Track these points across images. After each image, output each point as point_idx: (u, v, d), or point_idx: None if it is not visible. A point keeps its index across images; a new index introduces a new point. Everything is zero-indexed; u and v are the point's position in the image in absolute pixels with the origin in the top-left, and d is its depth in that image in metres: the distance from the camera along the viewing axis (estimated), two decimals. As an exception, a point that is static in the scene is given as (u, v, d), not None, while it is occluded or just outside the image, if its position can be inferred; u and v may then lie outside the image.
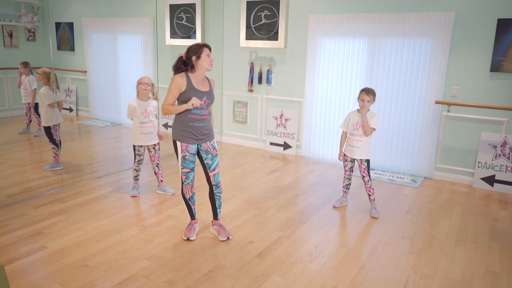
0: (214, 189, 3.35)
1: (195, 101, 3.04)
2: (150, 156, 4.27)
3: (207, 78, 3.28)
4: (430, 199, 4.46)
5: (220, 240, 3.38)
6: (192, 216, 3.45)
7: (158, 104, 4.29)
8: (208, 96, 3.18)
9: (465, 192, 4.72)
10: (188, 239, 3.36)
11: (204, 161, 3.28)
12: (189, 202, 3.37)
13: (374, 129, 3.84)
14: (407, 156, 5.27)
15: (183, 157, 3.20)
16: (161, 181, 4.36)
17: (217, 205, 3.41)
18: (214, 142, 3.31)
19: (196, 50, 3.12)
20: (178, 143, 3.19)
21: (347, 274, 2.94)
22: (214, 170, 3.30)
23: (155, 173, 4.34)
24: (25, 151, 5.69)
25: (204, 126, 3.20)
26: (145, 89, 4.08)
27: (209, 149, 3.26)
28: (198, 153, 3.28)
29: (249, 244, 3.33)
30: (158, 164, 4.29)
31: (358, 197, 4.44)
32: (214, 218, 3.49)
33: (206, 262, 3.03)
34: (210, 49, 3.16)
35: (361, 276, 2.91)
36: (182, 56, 3.17)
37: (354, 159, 4.01)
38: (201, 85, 3.17)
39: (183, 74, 3.13)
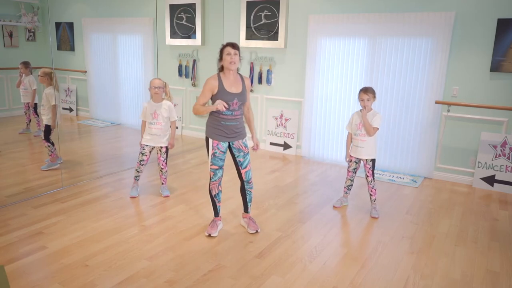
0: (245, 184, 3.46)
1: (219, 106, 3.08)
2: (157, 158, 4.26)
3: (241, 77, 3.26)
4: (430, 199, 4.46)
5: (249, 233, 3.50)
6: (216, 213, 3.50)
7: (171, 105, 4.20)
8: (239, 97, 3.20)
9: (465, 192, 4.72)
10: (209, 235, 3.40)
11: (237, 159, 3.37)
12: (215, 199, 3.43)
13: (377, 129, 3.82)
14: (407, 156, 5.27)
15: (213, 154, 3.27)
16: (162, 183, 4.36)
17: (247, 199, 3.53)
18: (245, 140, 3.35)
19: (220, 52, 3.16)
20: (210, 140, 3.27)
21: (347, 274, 2.94)
22: (245, 167, 3.38)
23: (160, 175, 4.34)
24: (25, 151, 5.69)
25: (235, 125, 3.25)
26: (155, 92, 4.07)
27: (241, 147, 3.32)
28: (230, 151, 3.36)
29: (249, 244, 3.33)
30: (162, 169, 4.25)
31: (358, 197, 4.44)
32: (244, 211, 3.61)
33: (206, 262, 3.03)
34: (232, 46, 3.11)
35: (361, 276, 2.91)
36: None
37: (359, 160, 4.00)
38: (233, 86, 3.18)
39: (216, 75, 3.19)
